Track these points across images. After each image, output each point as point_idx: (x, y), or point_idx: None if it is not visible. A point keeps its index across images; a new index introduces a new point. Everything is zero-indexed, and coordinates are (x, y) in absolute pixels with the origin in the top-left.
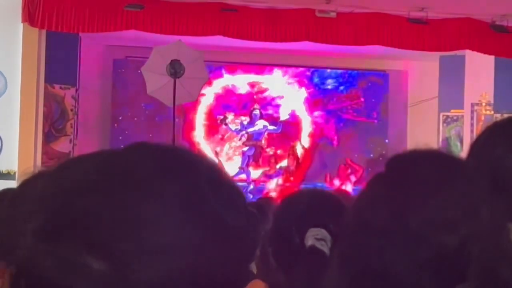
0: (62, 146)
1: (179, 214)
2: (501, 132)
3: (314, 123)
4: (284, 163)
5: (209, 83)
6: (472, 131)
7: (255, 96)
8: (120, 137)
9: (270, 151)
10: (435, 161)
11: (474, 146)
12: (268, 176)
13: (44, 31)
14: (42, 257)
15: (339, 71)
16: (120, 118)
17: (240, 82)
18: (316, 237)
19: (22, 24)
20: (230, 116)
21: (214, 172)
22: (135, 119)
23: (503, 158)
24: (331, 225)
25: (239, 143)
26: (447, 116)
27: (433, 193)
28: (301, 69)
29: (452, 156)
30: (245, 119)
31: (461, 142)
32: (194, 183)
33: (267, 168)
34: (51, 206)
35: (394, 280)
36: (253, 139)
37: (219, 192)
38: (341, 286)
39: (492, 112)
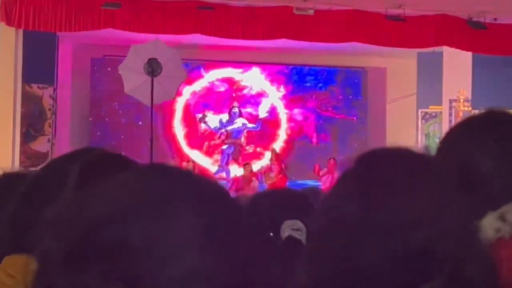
0: (41, 146)
1: (200, 241)
2: (468, 130)
3: (293, 121)
4: (262, 162)
5: (188, 81)
6: (450, 127)
7: (233, 94)
8: (97, 137)
9: (249, 149)
10: (405, 159)
11: (443, 143)
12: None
13: (21, 31)
14: (65, 284)
15: (318, 68)
16: (91, 119)
17: (219, 80)
18: (293, 228)
19: None
20: (209, 114)
21: (227, 197)
22: (107, 119)
23: (469, 155)
24: (304, 218)
25: (218, 141)
26: (426, 113)
27: (402, 191)
28: (280, 66)
29: (421, 154)
30: (224, 117)
31: (440, 138)
32: (212, 209)
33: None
34: (75, 236)
35: (362, 277)
36: (232, 137)
37: (232, 216)
38: (309, 282)
39: (470, 108)
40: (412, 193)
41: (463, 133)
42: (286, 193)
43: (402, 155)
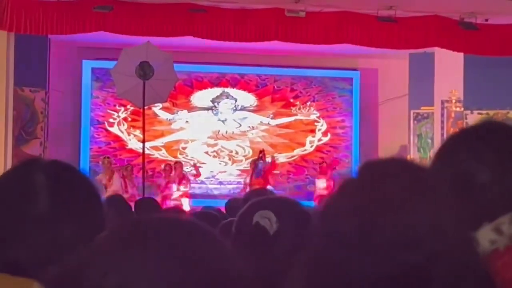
0: (33, 149)
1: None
2: (466, 139)
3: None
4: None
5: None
6: (442, 128)
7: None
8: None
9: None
10: (404, 173)
11: (441, 151)
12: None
13: (12, 34)
14: None
15: (309, 69)
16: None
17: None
18: (262, 216)
19: None
20: None
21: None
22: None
23: (467, 165)
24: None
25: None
26: (418, 114)
27: (400, 209)
28: (272, 68)
29: (419, 167)
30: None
31: (432, 139)
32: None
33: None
34: None
35: None
36: None
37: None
38: None
39: (462, 109)
40: (411, 211)
41: (461, 142)
42: (282, 201)
43: (401, 169)
